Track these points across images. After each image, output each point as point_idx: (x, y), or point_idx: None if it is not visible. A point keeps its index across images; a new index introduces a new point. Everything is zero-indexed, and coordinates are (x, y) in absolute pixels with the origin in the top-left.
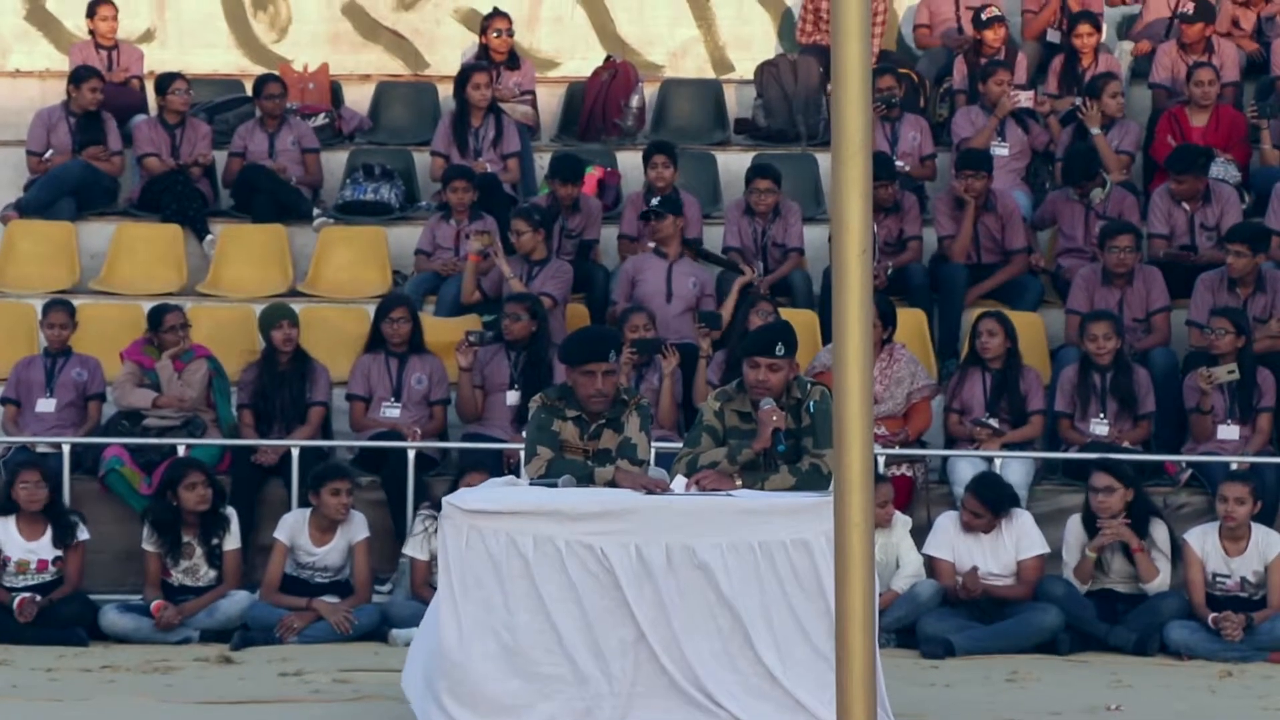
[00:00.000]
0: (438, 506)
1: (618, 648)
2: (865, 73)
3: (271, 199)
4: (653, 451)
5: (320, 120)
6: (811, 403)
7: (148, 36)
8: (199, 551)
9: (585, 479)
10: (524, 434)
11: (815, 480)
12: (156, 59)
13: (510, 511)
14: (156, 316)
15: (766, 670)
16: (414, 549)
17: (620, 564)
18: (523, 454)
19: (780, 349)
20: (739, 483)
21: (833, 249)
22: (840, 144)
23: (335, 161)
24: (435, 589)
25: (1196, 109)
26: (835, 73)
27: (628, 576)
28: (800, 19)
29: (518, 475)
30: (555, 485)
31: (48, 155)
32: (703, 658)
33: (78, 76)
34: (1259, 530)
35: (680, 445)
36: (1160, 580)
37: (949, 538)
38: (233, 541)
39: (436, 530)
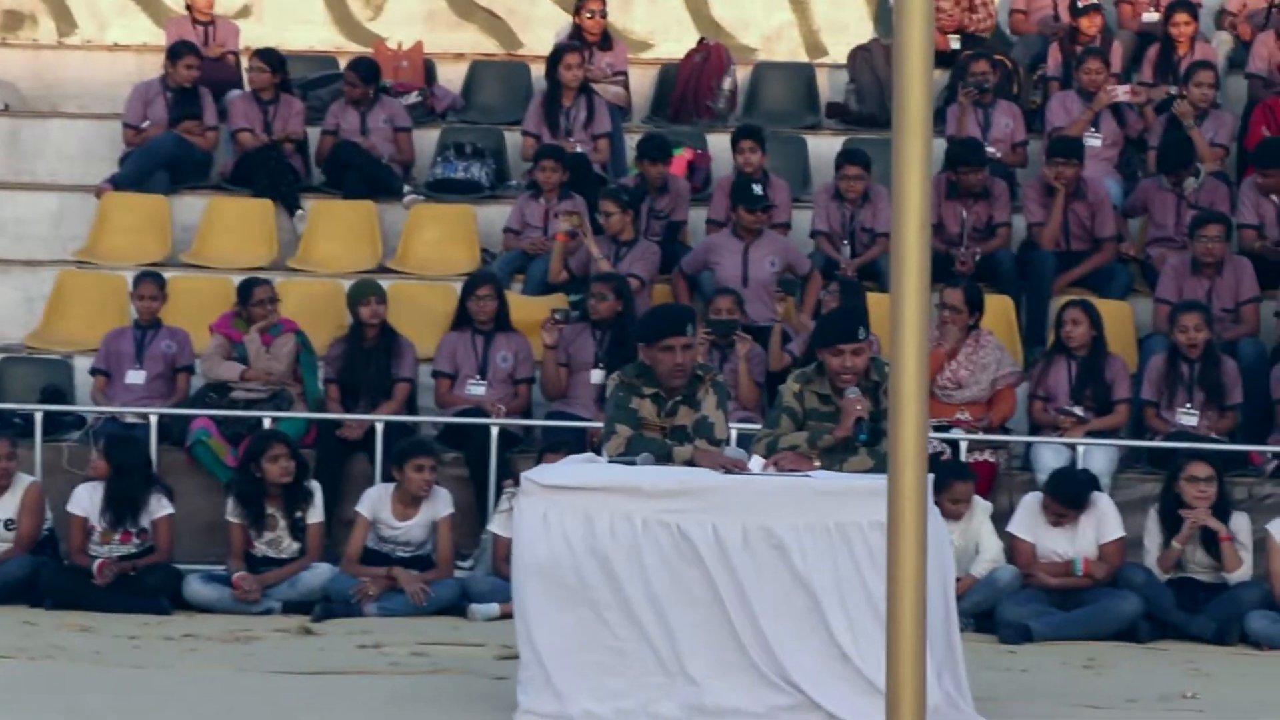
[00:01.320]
0: None
1: (692, 626)
2: (927, 46)
3: (362, 176)
4: (733, 431)
5: (413, 98)
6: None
7: (245, 12)
8: (282, 523)
9: (664, 457)
10: (605, 413)
11: None
12: (254, 34)
13: (588, 488)
14: (245, 290)
15: (841, 651)
16: (498, 526)
17: (698, 542)
18: (602, 432)
19: (862, 333)
20: (817, 464)
21: (892, 225)
22: (901, 119)
23: (427, 140)
24: None
25: None
26: (897, 44)
27: (705, 554)
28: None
29: (599, 453)
30: (634, 463)
31: (145, 126)
32: (779, 637)
33: (174, 53)
34: None
35: (761, 427)
36: (1242, 571)
37: (1032, 520)
38: (316, 515)
39: None
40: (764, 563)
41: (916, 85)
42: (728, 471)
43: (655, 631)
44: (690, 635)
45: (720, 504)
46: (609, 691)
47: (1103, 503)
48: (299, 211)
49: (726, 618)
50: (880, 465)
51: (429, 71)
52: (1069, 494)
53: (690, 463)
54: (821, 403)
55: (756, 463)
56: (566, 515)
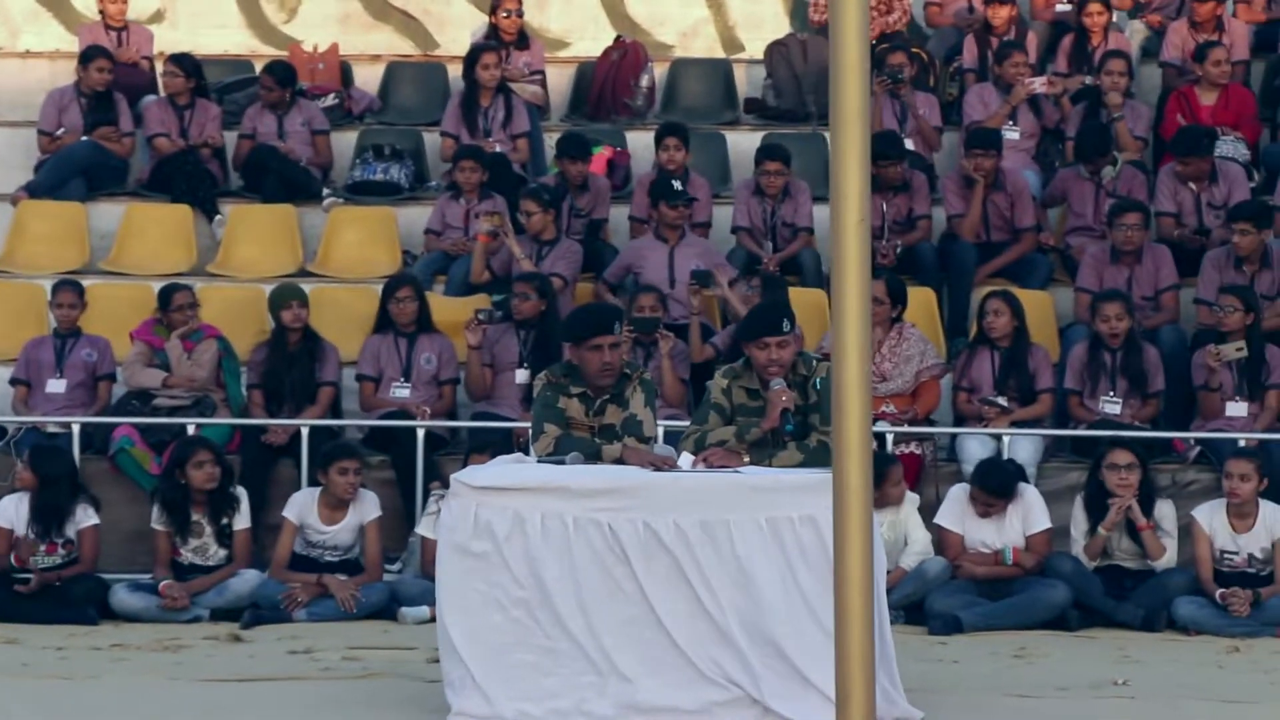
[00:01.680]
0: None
1: (625, 624)
2: (863, 40)
3: (281, 179)
4: (660, 429)
5: (330, 101)
6: (818, 379)
7: (158, 17)
8: (208, 530)
9: (593, 456)
10: (532, 412)
11: (823, 457)
12: (167, 40)
13: (518, 488)
14: (165, 296)
15: (776, 647)
16: (426, 528)
17: (629, 540)
18: (530, 432)
19: (786, 325)
20: (747, 460)
21: (831, 217)
22: (838, 112)
23: (345, 142)
24: None
25: (1206, 87)
26: (833, 40)
27: (636, 553)
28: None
29: (527, 453)
30: (563, 462)
31: (59, 133)
32: (712, 633)
33: (86, 56)
34: (1267, 507)
35: (688, 423)
36: (1167, 558)
37: (960, 511)
38: (242, 521)
39: None
40: (695, 559)
41: (852, 80)
42: (657, 469)
43: (587, 630)
44: (623, 633)
45: (650, 502)
46: (543, 691)
47: (1029, 494)
48: (218, 216)
49: (658, 615)
50: (810, 459)
51: (345, 74)
52: (996, 484)
53: (619, 461)
54: (750, 398)
55: (686, 459)
56: (496, 516)
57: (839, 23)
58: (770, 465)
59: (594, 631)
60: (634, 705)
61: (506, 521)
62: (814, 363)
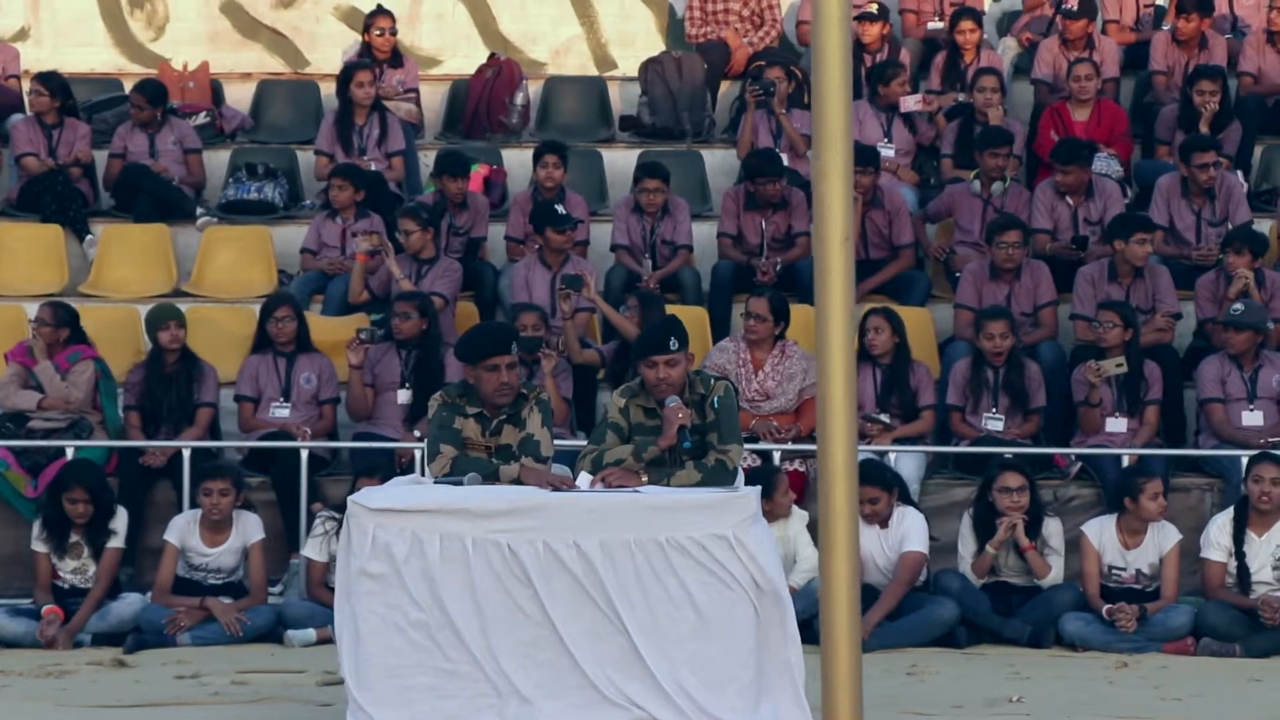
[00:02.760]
0: (337, 508)
1: (525, 645)
2: (845, 58)
3: (153, 199)
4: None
5: (201, 119)
6: (716, 398)
7: (22, 35)
8: (87, 552)
9: (490, 477)
10: (427, 433)
11: (721, 475)
12: (32, 58)
13: (416, 510)
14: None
15: (675, 668)
16: (312, 550)
17: (529, 561)
18: (425, 453)
19: (674, 343)
20: (645, 479)
21: (814, 235)
22: (821, 130)
23: (217, 161)
24: (334, 590)
25: (1078, 104)
26: (815, 57)
27: (536, 573)
28: (687, 16)
29: (408, 474)
30: (460, 483)
31: None
32: (612, 654)
33: None
34: (1155, 524)
35: (573, 442)
36: (1053, 575)
37: None
38: (116, 541)
39: (335, 531)
40: (596, 580)
41: (835, 96)
42: (556, 489)
43: (487, 652)
44: (523, 654)
45: (550, 522)
46: (442, 713)
47: (911, 515)
48: (89, 236)
49: (559, 636)
50: (708, 478)
51: (216, 92)
52: (877, 478)
53: (517, 481)
54: (647, 417)
55: (584, 479)
56: (395, 538)
57: (821, 41)
58: (669, 484)
59: (494, 653)
60: None
61: (405, 543)
62: (712, 381)
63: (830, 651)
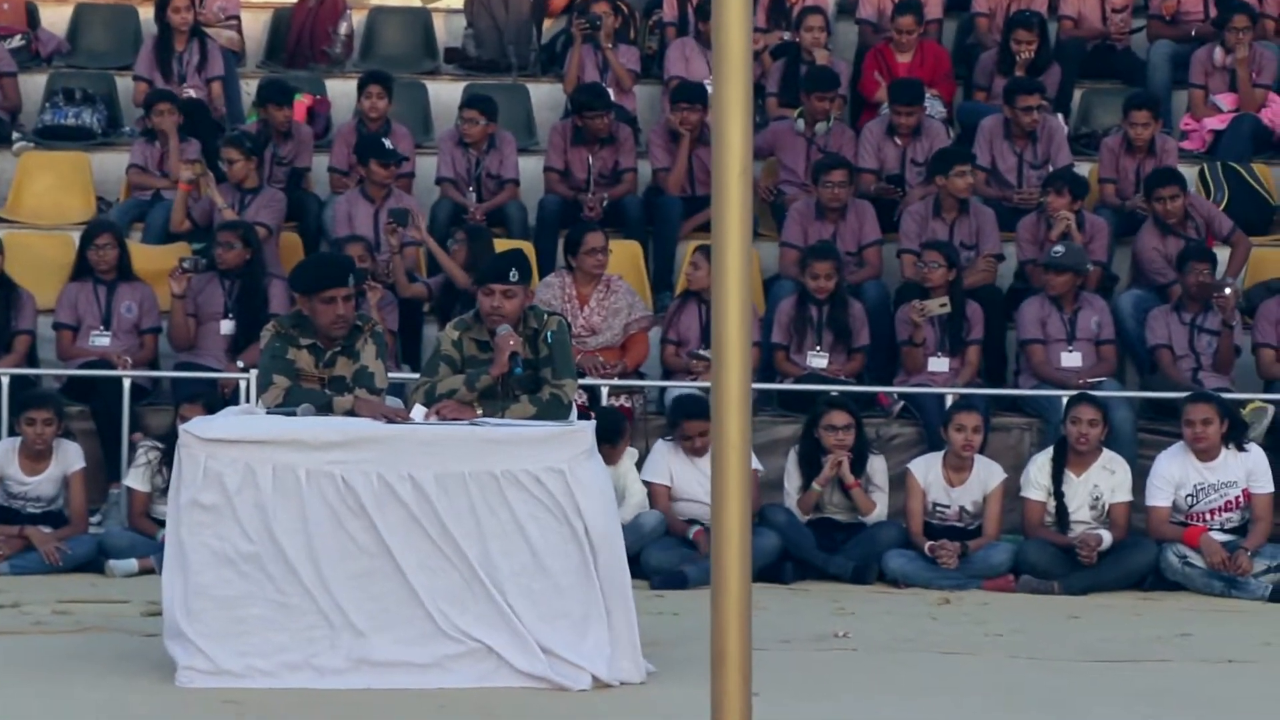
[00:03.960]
0: (159, 437)
1: (357, 578)
2: None
3: None
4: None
5: (16, 42)
6: (549, 333)
7: None
8: None
9: (324, 408)
10: (259, 363)
11: (556, 409)
12: None
13: (249, 440)
14: None
15: (508, 600)
16: (135, 480)
17: (362, 493)
18: (255, 382)
19: (514, 275)
20: (479, 411)
21: (714, 169)
22: (721, 57)
23: (33, 85)
24: (156, 521)
25: (902, 45)
26: None
27: (370, 505)
28: None
29: (233, 405)
30: (294, 414)
31: None
32: (446, 587)
33: None
34: (981, 461)
35: (400, 375)
36: (877, 512)
37: (666, 463)
38: None
39: (159, 461)
40: (431, 512)
41: (735, 26)
42: (390, 421)
43: (319, 584)
44: (356, 587)
45: (384, 454)
46: (273, 646)
47: None
48: None
49: (393, 568)
50: (542, 412)
51: (31, 14)
52: (696, 408)
53: (351, 413)
54: (480, 350)
55: (418, 412)
56: (227, 468)
57: None
58: (503, 418)
59: (326, 585)
60: (366, 659)
61: (238, 474)
62: (545, 316)
63: (721, 586)
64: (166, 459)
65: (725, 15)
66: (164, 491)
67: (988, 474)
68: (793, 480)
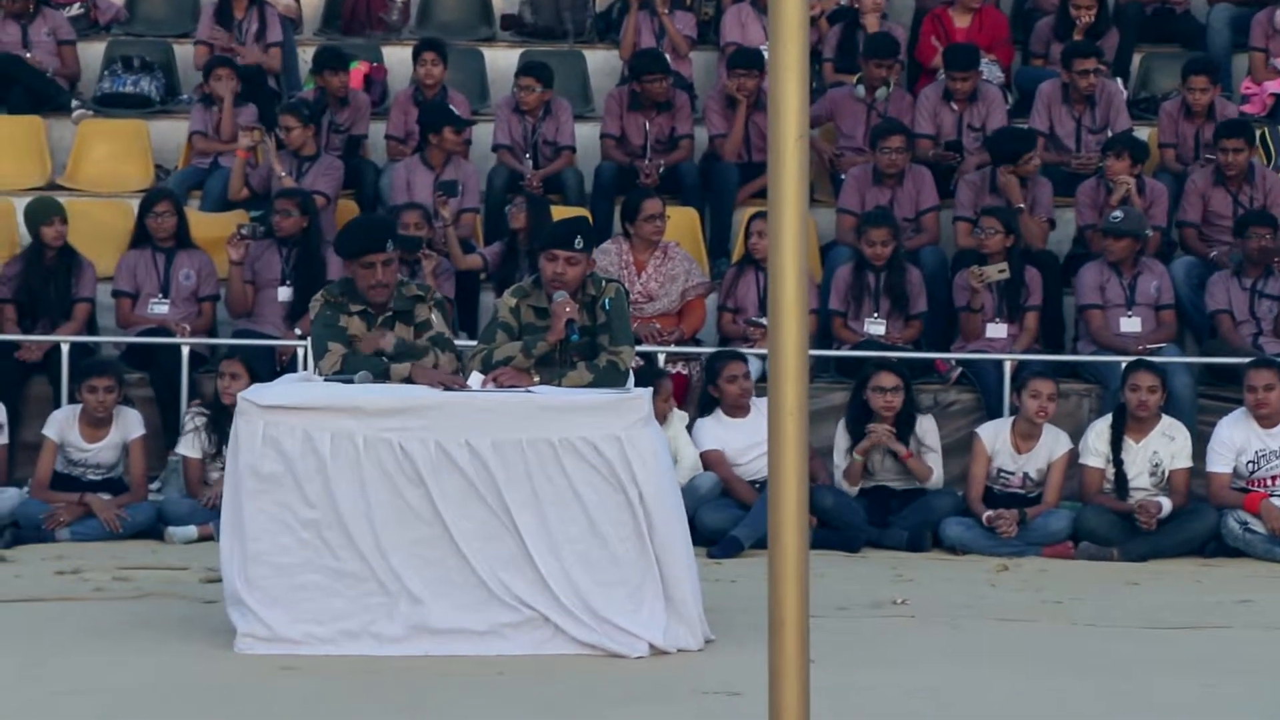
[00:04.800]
0: (208, 404)
1: (415, 545)
2: None
3: (27, 90)
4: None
5: (75, 10)
6: (607, 300)
7: None
8: None
9: (381, 375)
10: (310, 332)
11: (613, 377)
12: None
13: (308, 407)
14: None
15: (565, 568)
16: (185, 447)
17: (420, 460)
18: (310, 351)
19: (579, 242)
20: (536, 379)
21: (770, 136)
22: (777, 23)
23: (92, 53)
24: (211, 486)
25: (960, 10)
26: None
27: (428, 473)
28: None
29: (290, 372)
30: (351, 381)
31: None
32: (504, 555)
33: None
34: (1049, 429)
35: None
36: (935, 478)
37: (713, 433)
38: (0, 437)
39: (205, 426)
40: (488, 479)
41: None
42: (447, 389)
43: (377, 551)
44: (413, 554)
45: (442, 421)
46: (331, 613)
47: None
48: None
49: (450, 536)
50: (600, 379)
51: None
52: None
53: (409, 380)
54: (537, 317)
55: (475, 379)
56: (286, 435)
57: None
58: (560, 385)
59: (384, 552)
60: (423, 627)
61: (295, 441)
62: (603, 283)
63: (778, 552)
64: (212, 423)
65: None
66: (213, 457)
67: (1055, 442)
68: (841, 450)
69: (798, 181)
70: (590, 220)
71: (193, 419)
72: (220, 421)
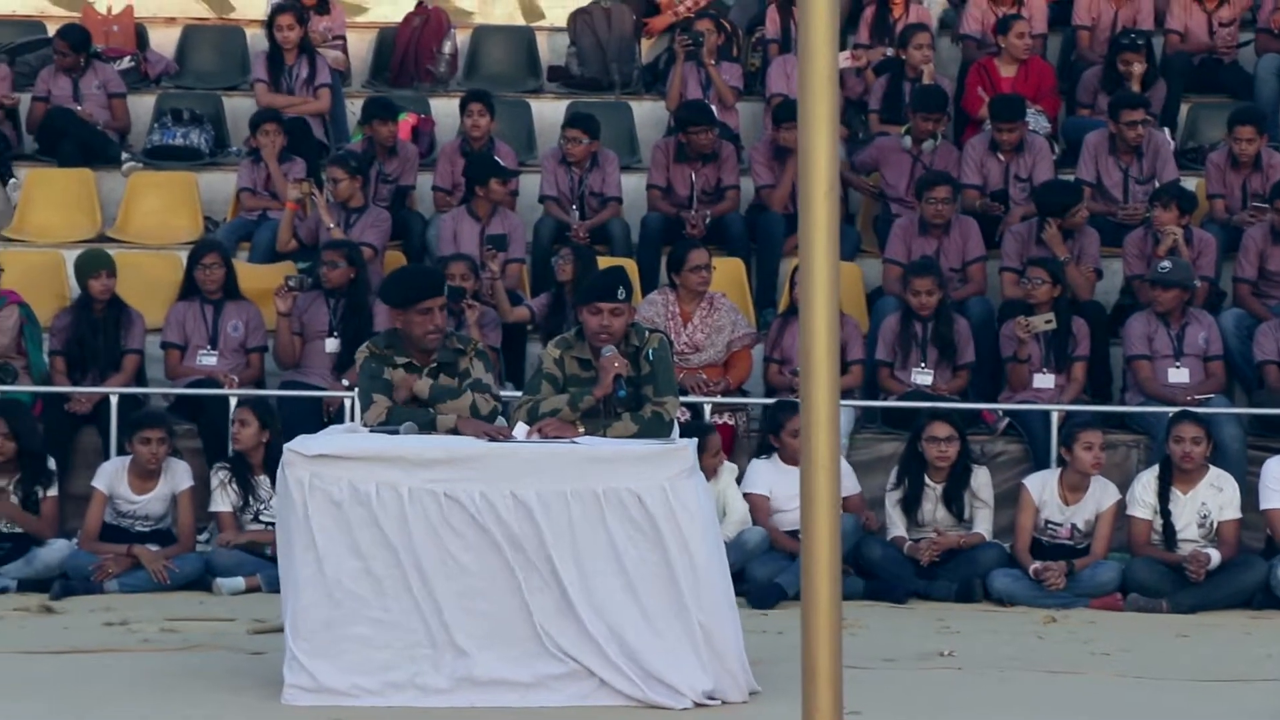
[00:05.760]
0: (227, 459)
1: (460, 596)
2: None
3: (78, 143)
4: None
5: (126, 64)
6: (650, 350)
7: None
8: (14, 499)
9: (427, 426)
10: (357, 384)
11: (657, 427)
12: None
13: (353, 457)
14: None
15: (608, 621)
16: (217, 504)
17: (466, 511)
18: (357, 403)
19: (621, 293)
20: (581, 430)
21: (800, 187)
22: (807, 77)
23: (142, 106)
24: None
25: (1006, 60)
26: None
27: (472, 524)
28: None
29: (336, 424)
30: (397, 432)
31: None
32: (549, 606)
33: None
34: (1097, 480)
35: (503, 394)
36: (983, 529)
37: (763, 476)
38: (53, 489)
39: (230, 480)
40: (531, 530)
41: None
42: (492, 440)
43: (423, 603)
44: (458, 606)
45: (487, 472)
46: (377, 664)
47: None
48: (12, 180)
49: (495, 587)
50: (644, 430)
51: (140, 36)
52: (790, 408)
53: (454, 431)
54: (582, 368)
55: (520, 430)
56: (331, 486)
57: None
58: (605, 436)
59: (429, 604)
60: (469, 679)
61: (341, 492)
62: (646, 333)
63: (811, 602)
64: (233, 474)
65: (811, 35)
66: (242, 509)
67: (1103, 493)
68: (892, 496)
69: (828, 234)
70: (627, 270)
71: (217, 473)
72: (240, 470)
